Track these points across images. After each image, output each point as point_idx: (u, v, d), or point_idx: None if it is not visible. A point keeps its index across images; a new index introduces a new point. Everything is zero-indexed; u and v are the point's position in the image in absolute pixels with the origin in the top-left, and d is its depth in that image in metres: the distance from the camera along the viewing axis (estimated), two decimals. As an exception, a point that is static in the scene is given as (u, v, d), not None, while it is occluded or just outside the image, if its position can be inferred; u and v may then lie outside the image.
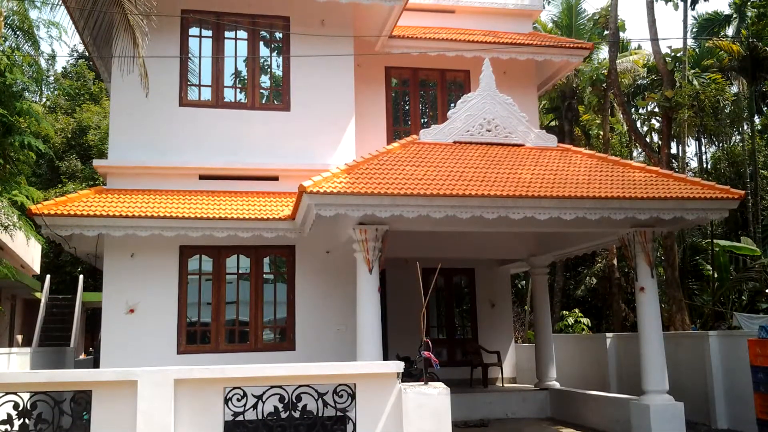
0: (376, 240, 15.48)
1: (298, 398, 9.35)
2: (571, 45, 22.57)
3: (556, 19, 39.83)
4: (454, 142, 17.33)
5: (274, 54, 19.33)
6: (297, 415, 9.28)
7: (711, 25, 39.64)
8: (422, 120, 21.76)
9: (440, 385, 9.81)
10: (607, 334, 23.49)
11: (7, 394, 8.77)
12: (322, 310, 18.02)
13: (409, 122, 21.76)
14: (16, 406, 8.76)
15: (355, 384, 9.50)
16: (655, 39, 26.67)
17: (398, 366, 9.71)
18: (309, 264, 18.12)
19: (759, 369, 16.19)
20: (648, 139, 36.85)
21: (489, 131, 17.55)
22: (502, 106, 17.68)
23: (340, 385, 9.48)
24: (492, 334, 23.20)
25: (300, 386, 9.39)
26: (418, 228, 16.06)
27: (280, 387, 9.32)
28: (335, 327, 17.95)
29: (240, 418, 9.07)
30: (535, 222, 15.73)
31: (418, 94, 21.85)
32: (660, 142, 29.01)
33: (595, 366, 23.33)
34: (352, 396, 9.44)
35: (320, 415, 9.32)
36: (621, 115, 35.14)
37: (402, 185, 14.83)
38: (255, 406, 9.17)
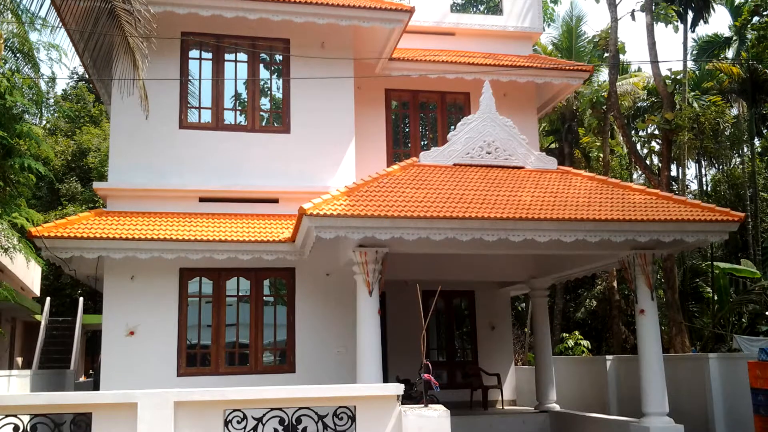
0: (376, 262, 15.47)
1: (298, 421, 9.31)
2: (571, 67, 22.62)
3: (556, 41, 39.97)
4: (454, 165, 17.35)
5: (274, 76, 19.40)
6: (297, 437, 9.26)
7: (711, 47, 39.79)
8: (422, 142, 21.78)
9: (440, 407, 9.75)
10: (607, 357, 23.47)
11: (7, 416, 8.72)
12: (322, 332, 18.00)
13: (409, 144, 21.79)
14: (16, 428, 8.69)
15: (355, 406, 9.42)
16: (655, 61, 26.76)
17: (398, 388, 9.67)
18: (309, 286, 18.11)
19: (759, 391, 16.19)
20: (648, 162, 36.92)
21: (489, 153, 17.58)
22: (502, 128, 17.71)
23: (340, 407, 9.39)
24: (492, 356, 23.13)
25: (300, 409, 9.35)
26: (418, 250, 16.04)
27: (280, 409, 9.27)
28: (335, 349, 17.93)
29: (239, 441, 8.98)
30: (536, 244, 15.71)
31: (418, 116, 21.88)
32: (660, 165, 29.04)
33: (595, 388, 23.28)
34: (353, 418, 9.35)
35: (320, 437, 9.30)
36: (621, 138, 35.18)
37: (402, 208, 14.84)
38: (255, 429, 9.10)
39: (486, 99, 17.70)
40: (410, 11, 18.63)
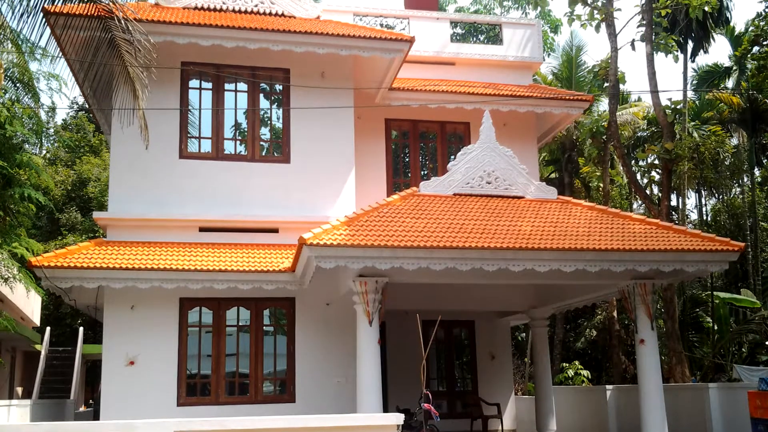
0: (376, 292, 15.49)
1: None
2: (571, 97, 22.68)
3: (556, 71, 40.08)
4: (455, 194, 17.39)
5: (274, 106, 19.46)
6: (296, 468, 9.21)
7: (711, 77, 39.88)
8: (422, 172, 21.79)
9: None
10: (607, 387, 23.45)
11: None
12: (322, 362, 17.96)
13: (410, 174, 21.80)
14: None
15: None
16: (655, 91, 26.84)
17: (398, 418, 9.63)
18: (309, 316, 18.09)
19: (759, 421, 16.26)
20: (648, 191, 36.89)
21: (489, 183, 17.62)
22: (502, 158, 17.76)
23: None
24: (492, 385, 23.03)
25: None
26: (418, 280, 16.04)
27: None
28: (335, 379, 17.88)
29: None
30: (536, 274, 15.74)
31: (418, 145, 21.90)
32: (660, 194, 29.04)
33: (595, 418, 23.23)
34: None
35: (320, 468, 9.26)
36: (621, 167, 35.24)
37: (402, 237, 14.87)
38: None
39: (486, 129, 17.77)
40: (410, 41, 18.71)
